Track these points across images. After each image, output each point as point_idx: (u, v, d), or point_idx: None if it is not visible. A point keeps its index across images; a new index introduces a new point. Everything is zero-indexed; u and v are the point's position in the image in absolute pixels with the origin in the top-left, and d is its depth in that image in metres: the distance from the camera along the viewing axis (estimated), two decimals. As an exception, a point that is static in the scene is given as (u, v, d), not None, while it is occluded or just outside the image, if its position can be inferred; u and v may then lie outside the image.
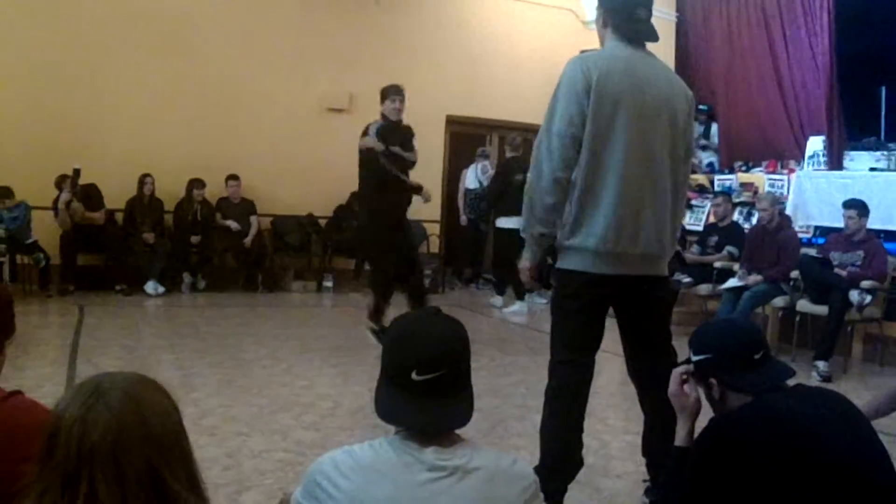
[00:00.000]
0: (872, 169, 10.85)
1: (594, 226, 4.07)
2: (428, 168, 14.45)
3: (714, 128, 14.08)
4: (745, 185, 12.34)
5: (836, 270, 8.83)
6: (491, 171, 13.80)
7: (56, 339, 8.75)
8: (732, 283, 9.66)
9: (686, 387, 3.04)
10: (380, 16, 14.26)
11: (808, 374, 8.16)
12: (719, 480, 2.60)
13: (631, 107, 4.05)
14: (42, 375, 6.83)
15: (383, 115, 9.07)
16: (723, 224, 10.88)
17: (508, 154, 12.98)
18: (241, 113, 13.09)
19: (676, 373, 3.09)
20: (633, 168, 4.06)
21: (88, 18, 12.24)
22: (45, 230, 11.54)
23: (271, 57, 13.35)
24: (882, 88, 11.34)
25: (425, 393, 2.22)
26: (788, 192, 11.49)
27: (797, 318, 9.23)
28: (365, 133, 8.80)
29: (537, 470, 2.53)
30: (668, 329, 4.61)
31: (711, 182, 13.07)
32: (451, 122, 15.22)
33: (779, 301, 9.37)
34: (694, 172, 13.41)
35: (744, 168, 12.90)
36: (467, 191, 14.31)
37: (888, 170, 10.77)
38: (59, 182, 11.48)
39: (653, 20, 4.29)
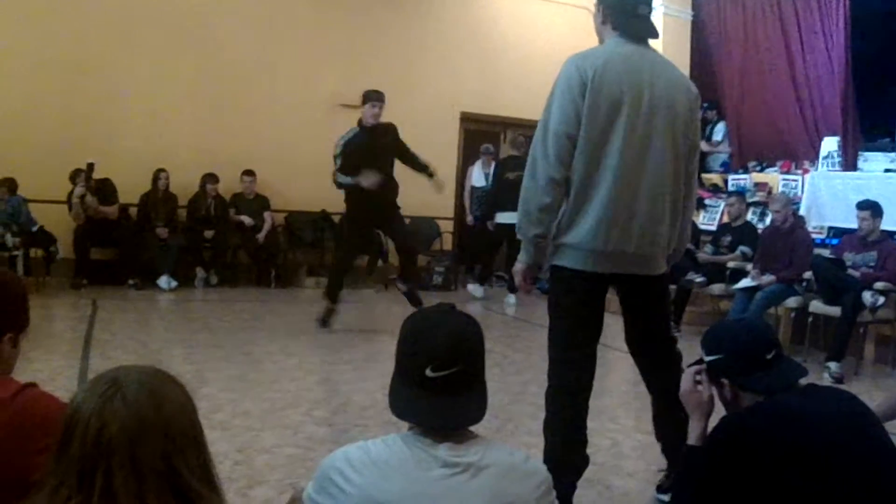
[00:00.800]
0: (887, 170, 10.79)
1: (587, 223, 4.06)
2: (441, 165, 14.46)
3: (719, 126, 13.99)
4: (759, 185, 12.31)
5: (850, 271, 8.80)
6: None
7: (69, 332, 8.79)
8: (745, 283, 9.63)
9: (700, 386, 3.03)
10: (394, 13, 14.28)
11: (821, 375, 8.14)
12: (730, 479, 2.60)
13: (628, 104, 4.03)
14: (55, 368, 6.84)
15: (360, 121, 9.34)
16: (736, 224, 10.84)
17: (510, 152, 13.09)
18: (255, 109, 13.11)
19: (689, 373, 3.08)
20: (630, 166, 4.04)
21: (104, 13, 12.28)
22: (59, 224, 11.58)
23: (286, 53, 13.37)
24: (897, 89, 11.33)
25: (439, 390, 2.23)
26: (802, 192, 11.46)
27: (810, 319, 9.22)
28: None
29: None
30: (668, 326, 4.63)
31: (725, 182, 13.04)
32: (466, 119, 15.22)
33: (791, 302, 9.33)
34: (708, 172, 13.40)
35: (758, 168, 12.86)
36: (473, 188, 14.27)
37: (903, 171, 10.75)
38: (74, 176, 11.53)
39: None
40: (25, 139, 11.60)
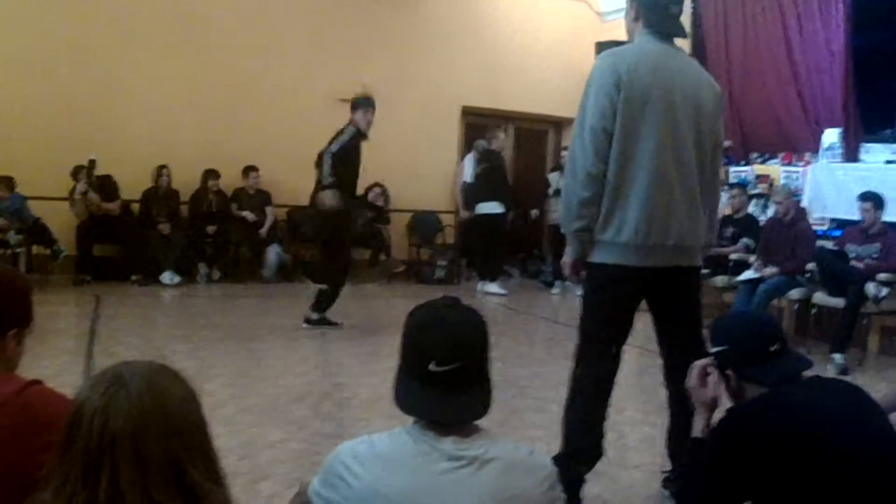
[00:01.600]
0: (889, 161, 10.78)
1: (626, 219, 4.09)
2: (442, 159, 14.49)
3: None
4: (760, 177, 12.28)
5: (853, 263, 8.81)
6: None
7: (73, 329, 8.80)
8: (748, 275, 9.62)
9: (708, 379, 3.04)
10: (393, 7, 14.27)
11: (825, 367, 8.13)
12: (735, 471, 2.61)
13: (660, 101, 4.07)
14: (59, 365, 6.86)
15: (358, 124, 9.17)
16: (738, 216, 10.83)
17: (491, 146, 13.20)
18: (256, 104, 13.10)
19: (697, 365, 3.09)
20: (663, 161, 4.08)
21: (105, 9, 12.27)
22: (62, 221, 11.59)
23: (287, 48, 13.36)
24: (898, 81, 11.31)
25: (444, 384, 2.23)
26: (804, 184, 11.44)
27: (813, 311, 9.22)
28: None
29: (558, 457, 2.53)
30: (700, 320, 4.60)
31: (727, 174, 13.02)
32: (467, 113, 15.22)
33: (795, 294, 9.33)
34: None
35: (759, 160, 12.84)
36: (465, 184, 14.08)
37: (904, 162, 10.73)
38: (75, 173, 11.54)
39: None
40: (27, 136, 11.59)
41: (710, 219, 4.46)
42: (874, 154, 11.16)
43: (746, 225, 10.62)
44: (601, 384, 4.28)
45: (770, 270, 9.32)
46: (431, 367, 2.22)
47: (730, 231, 10.69)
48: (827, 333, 9.15)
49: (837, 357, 8.36)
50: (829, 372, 8.05)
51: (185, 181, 12.57)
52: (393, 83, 13.86)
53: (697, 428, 3.03)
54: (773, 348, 2.86)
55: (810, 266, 9.25)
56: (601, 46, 10.66)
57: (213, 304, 11.09)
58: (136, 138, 12.35)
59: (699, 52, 13.93)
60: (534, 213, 14.54)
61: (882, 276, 8.56)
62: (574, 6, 15.22)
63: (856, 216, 9.27)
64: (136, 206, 12.41)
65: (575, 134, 4.18)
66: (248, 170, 12.84)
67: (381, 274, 13.55)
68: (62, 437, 1.67)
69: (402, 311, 2.54)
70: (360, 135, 9.10)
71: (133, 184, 12.18)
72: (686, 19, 14.07)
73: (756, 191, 12.01)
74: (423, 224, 14.28)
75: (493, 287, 12.78)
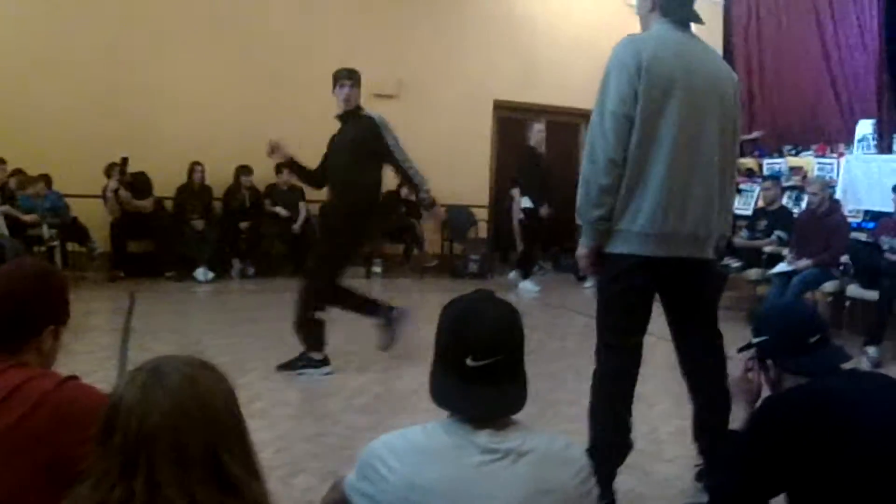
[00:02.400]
0: (923, 153, 10.72)
1: (642, 207, 4.05)
2: (475, 153, 14.46)
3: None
4: (794, 170, 12.20)
5: (887, 255, 8.73)
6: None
7: (108, 325, 8.86)
8: (782, 267, 9.57)
9: (750, 373, 3.03)
10: (431, 2, 14.27)
11: (859, 360, 8.06)
12: (770, 461, 2.61)
13: (681, 89, 4.03)
14: (95, 361, 6.90)
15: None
16: (772, 208, 10.76)
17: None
18: (289, 100, 13.09)
19: (740, 359, 3.08)
20: (682, 149, 4.05)
21: (138, 8, 12.36)
22: (96, 218, 11.69)
23: (321, 44, 13.35)
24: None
25: (480, 379, 2.23)
26: (838, 176, 11.36)
27: (847, 304, 9.17)
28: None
29: (587, 453, 2.52)
30: (715, 313, 4.59)
31: (760, 166, 12.95)
32: (499, 106, 15.19)
33: (828, 286, 9.26)
34: (742, 156, 13.32)
35: (793, 152, 12.76)
36: None
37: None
38: (108, 170, 11.62)
39: (701, 3, 4.27)
40: (61, 134, 11.69)
41: (727, 211, 4.45)
42: (908, 146, 11.09)
43: (780, 217, 10.55)
44: (623, 376, 4.26)
45: (804, 263, 9.25)
46: (468, 361, 2.22)
47: (763, 224, 10.63)
48: (861, 326, 9.09)
49: (871, 350, 8.29)
50: (863, 364, 7.98)
51: (219, 177, 12.64)
52: (426, 77, 13.88)
53: (740, 420, 3.02)
54: (813, 339, 2.85)
55: (844, 258, 9.18)
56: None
57: (247, 300, 11.13)
58: (169, 135, 12.41)
59: (730, 43, 13.87)
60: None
61: (917, 267, 8.49)
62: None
63: (889, 208, 9.23)
64: (169, 203, 12.50)
65: (594, 121, 4.13)
66: (282, 166, 12.85)
67: (414, 268, 13.57)
68: (100, 432, 1.68)
69: (435, 306, 2.54)
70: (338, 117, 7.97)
71: (167, 180, 12.27)
72: (719, 12, 14.16)
73: (790, 183, 11.93)
74: (456, 218, 14.24)
75: (526, 284, 12.72)
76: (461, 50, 14.43)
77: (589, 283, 12.68)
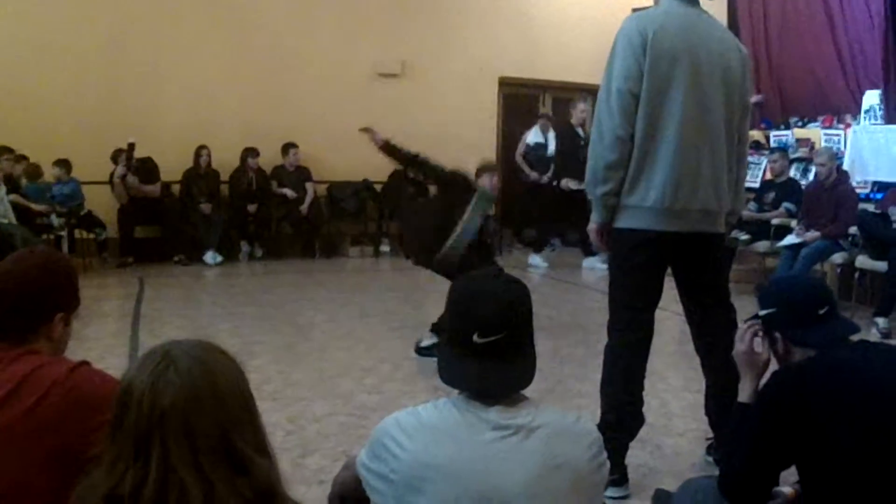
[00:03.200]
0: (930, 123, 10.68)
1: (653, 182, 4.05)
2: (480, 129, 14.41)
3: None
4: (801, 141, 12.15)
5: (895, 225, 8.71)
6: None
7: (117, 310, 8.88)
8: (790, 240, 9.53)
9: (756, 344, 3.02)
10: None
11: (868, 331, 8.06)
12: (780, 433, 2.60)
13: (687, 63, 4.02)
14: (105, 347, 6.92)
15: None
16: (779, 180, 10.70)
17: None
18: (294, 81, 13.10)
19: (745, 330, 3.07)
20: (690, 124, 4.04)
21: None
22: (103, 204, 11.71)
23: (323, 24, 13.33)
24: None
25: (487, 355, 2.23)
26: (845, 147, 11.32)
27: (856, 275, 9.13)
28: None
29: (599, 428, 2.53)
30: (727, 286, 4.60)
31: (767, 138, 12.91)
32: (504, 83, 15.13)
33: (837, 257, 9.23)
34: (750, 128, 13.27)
35: (800, 124, 12.72)
36: (529, 146, 13.54)
37: (946, 123, 10.60)
38: (115, 156, 11.63)
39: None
40: (68, 121, 11.70)
41: (738, 185, 4.44)
42: (916, 115, 11.06)
43: (788, 189, 10.50)
44: (635, 351, 4.27)
45: (812, 235, 9.23)
46: (475, 338, 2.22)
47: (771, 196, 10.59)
48: (870, 297, 9.09)
49: (881, 321, 8.29)
50: (873, 335, 7.99)
51: (225, 161, 12.61)
52: (430, 55, 13.83)
53: (745, 393, 3.02)
54: (821, 311, 2.84)
55: (853, 230, 9.15)
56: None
57: (256, 282, 11.16)
58: (175, 120, 12.42)
59: (735, 14, 13.80)
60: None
61: (926, 237, 8.47)
62: (611, -25, 15.13)
63: (897, 178, 9.19)
64: (176, 188, 12.50)
65: (601, 98, 4.13)
66: (288, 147, 12.83)
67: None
68: (112, 416, 1.69)
69: (443, 283, 2.55)
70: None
71: (174, 165, 12.25)
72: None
73: (797, 155, 11.89)
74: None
75: (536, 259, 12.70)
76: (465, 27, 14.36)
77: (587, 263, 12.53)
